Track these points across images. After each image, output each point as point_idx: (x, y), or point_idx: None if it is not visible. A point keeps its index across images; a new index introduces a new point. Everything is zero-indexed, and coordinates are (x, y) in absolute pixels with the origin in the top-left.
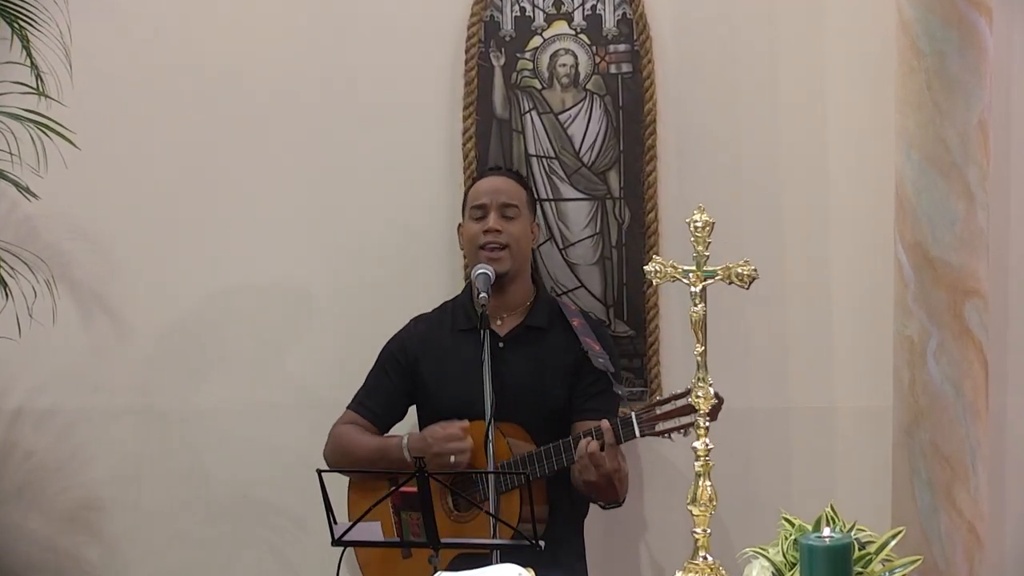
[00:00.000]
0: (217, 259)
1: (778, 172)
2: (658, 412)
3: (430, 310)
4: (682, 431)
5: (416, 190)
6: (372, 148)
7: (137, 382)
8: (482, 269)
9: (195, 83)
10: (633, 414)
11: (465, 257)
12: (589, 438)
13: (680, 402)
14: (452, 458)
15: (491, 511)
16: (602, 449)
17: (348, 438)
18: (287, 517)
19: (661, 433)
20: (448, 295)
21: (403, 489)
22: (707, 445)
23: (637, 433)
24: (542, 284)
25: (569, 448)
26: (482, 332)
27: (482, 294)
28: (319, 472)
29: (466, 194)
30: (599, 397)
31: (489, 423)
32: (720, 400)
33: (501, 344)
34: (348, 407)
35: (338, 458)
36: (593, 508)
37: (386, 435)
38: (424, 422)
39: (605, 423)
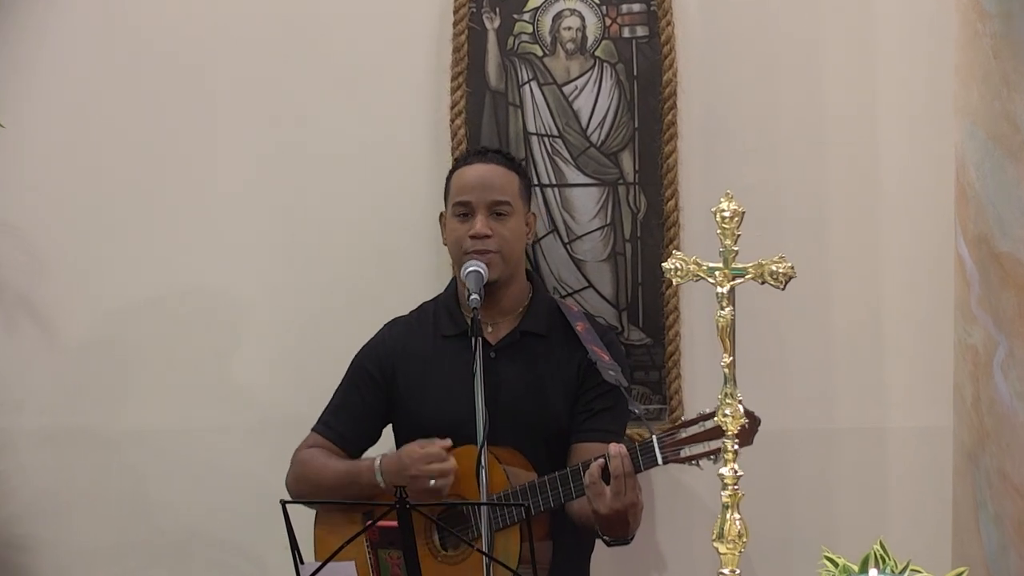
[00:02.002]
0: (158, 258)
1: (819, 153)
2: (683, 435)
3: (407, 312)
4: (711, 457)
5: (394, 174)
6: (341, 125)
7: (67, 399)
8: (473, 266)
9: (130, 59)
10: (655, 437)
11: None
12: (602, 459)
13: (710, 423)
14: (432, 482)
15: (484, 550)
16: (605, 479)
17: (313, 463)
18: (244, 556)
19: (687, 460)
20: (430, 294)
21: (381, 523)
22: (736, 472)
23: (659, 460)
24: (539, 283)
25: (579, 477)
26: (473, 340)
27: (473, 295)
28: (283, 503)
29: (448, 180)
30: (605, 415)
31: (481, 446)
32: (756, 420)
33: (493, 353)
34: (313, 429)
35: (302, 487)
36: (600, 542)
37: (352, 460)
38: (402, 443)
39: (615, 447)
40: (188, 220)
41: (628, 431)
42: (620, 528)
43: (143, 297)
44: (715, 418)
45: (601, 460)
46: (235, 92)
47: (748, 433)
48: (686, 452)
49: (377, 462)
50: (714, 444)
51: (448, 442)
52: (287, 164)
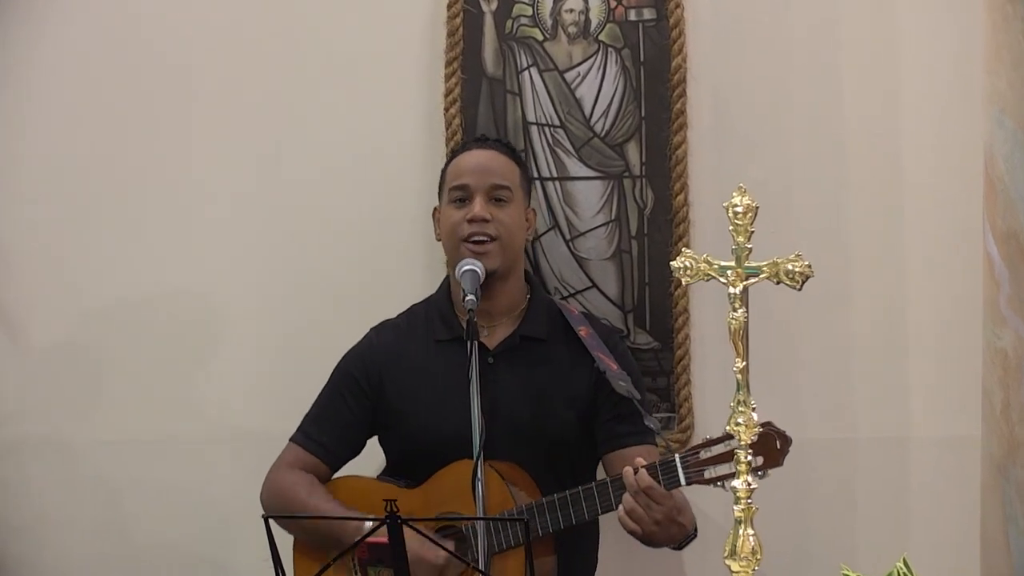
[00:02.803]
0: (132, 258)
1: (838, 144)
2: (708, 454)
3: (396, 316)
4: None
5: (384, 166)
6: (327, 114)
7: (35, 406)
8: (469, 265)
9: (107, 54)
10: (677, 457)
11: (444, 248)
12: (633, 467)
13: (735, 443)
14: None
15: (481, 568)
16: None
17: (293, 496)
18: (222, 574)
19: (712, 481)
20: (421, 295)
21: (371, 540)
22: (749, 485)
23: (682, 480)
24: (537, 284)
25: (606, 491)
26: (469, 344)
27: (469, 296)
28: (266, 518)
29: (444, 172)
30: (633, 417)
31: (478, 457)
32: (787, 440)
33: (490, 359)
34: (291, 439)
35: (277, 510)
36: (605, 558)
37: (340, 504)
38: (392, 457)
39: (639, 463)
40: (163, 219)
41: None
42: (675, 530)
43: (117, 299)
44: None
45: (633, 468)
46: (213, 82)
47: (779, 454)
48: (711, 473)
49: (367, 525)
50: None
51: (444, 553)
52: (268, 159)
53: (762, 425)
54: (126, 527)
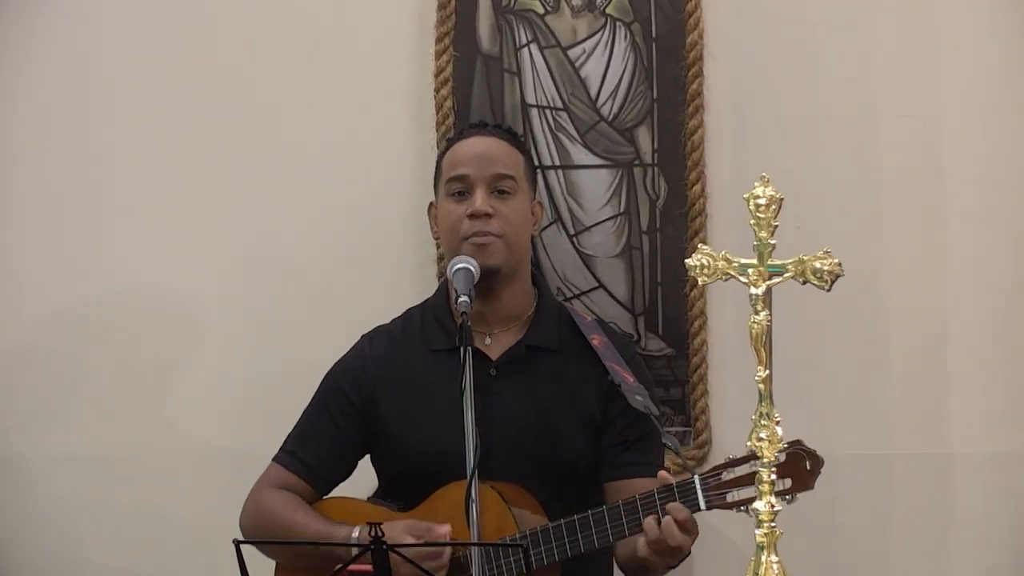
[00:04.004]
0: (91, 256)
1: (872, 130)
2: (727, 477)
3: (390, 322)
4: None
5: (369, 155)
6: (305, 97)
7: None
8: (461, 263)
9: (66, 40)
10: (697, 478)
11: (440, 247)
12: (676, 503)
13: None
14: None
15: None
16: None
17: (275, 514)
18: None
19: (734, 505)
20: (415, 300)
21: (354, 567)
22: (772, 507)
23: (702, 504)
24: (546, 287)
25: (618, 517)
26: (462, 349)
27: (462, 297)
28: (236, 543)
29: (439, 162)
30: (643, 444)
31: (472, 473)
32: (818, 461)
33: (493, 371)
34: (274, 459)
35: (258, 533)
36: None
37: (325, 515)
38: (385, 478)
39: (665, 477)
40: (127, 213)
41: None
42: (671, 562)
43: (76, 302)
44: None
45: (676, 503)
46: (184, 64)
47: (809, 476)
48: (734, 496)
49: (355, 533)
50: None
51: (448, 528)
52: (241, 146)
53: (791, 444)
54: (83, 554)
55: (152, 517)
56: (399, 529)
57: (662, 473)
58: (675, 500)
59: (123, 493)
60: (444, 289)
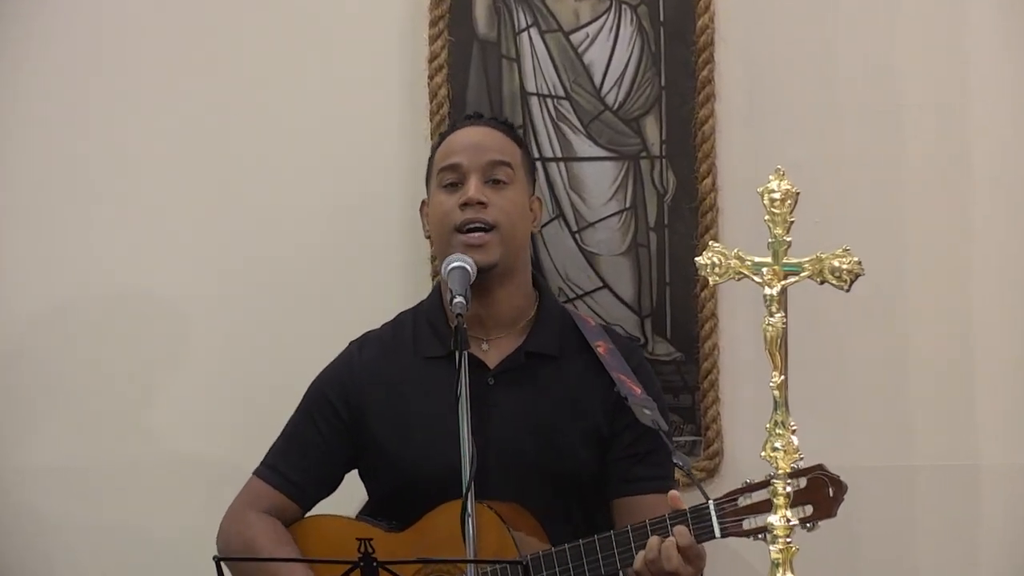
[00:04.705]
0: (64, 254)
1: (894, 120)
2: (744, 503)
3: (380, 327)
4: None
5: (359, 147)
6: (292, 86)
7: None
8: (456, 261)
9: (46, 38)
10: (711, 504)
11: (433, 245)
12: (682, 526)
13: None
14: None
15: None
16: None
17: (253, 546)
18: None
19: (751, 533)
20: (407, 303)
21: None
22: (788, 521)
23: (716, 531)
24: (547, 289)
25: (627, 543)
26: (457, 354)
27: (457, 298)
28: (217, 560)
29: (431, 157)
30: (653, 457)
31: (468, 486)
32: (842, 487)
33: (491, 379)
34: (255, 473)
35: (239, 566)
36: None
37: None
38: (375, 495)
39: (674, 497)
40: (106, 210)
41: None
42: None
43: (44, 303)
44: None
45: (682, 527)
46: (166, 55)
47: (831, 503)
48: (751, 523)
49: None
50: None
51: None
52: (225, 139)
53: (812, 468)
54: (56, 570)
55: (130, 531)
56: None
57: (672, 494)
58: (687, 526)
59: (100, 506)
60: (438, 292)
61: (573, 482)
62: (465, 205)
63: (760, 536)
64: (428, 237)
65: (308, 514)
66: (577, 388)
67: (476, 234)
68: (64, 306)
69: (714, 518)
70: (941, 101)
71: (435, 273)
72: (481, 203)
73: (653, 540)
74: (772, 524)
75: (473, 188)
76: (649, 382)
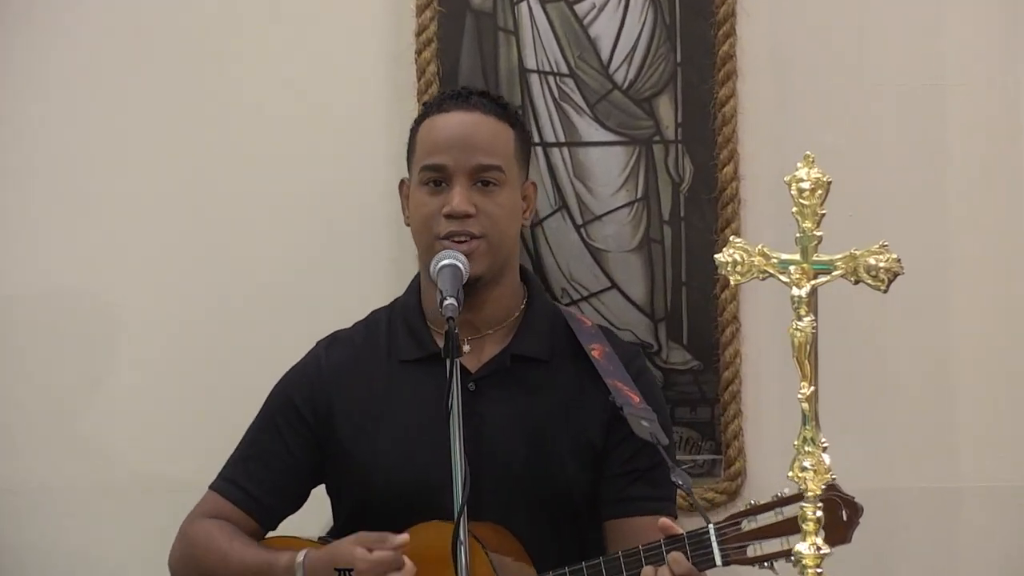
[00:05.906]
0: (18, 259)
1: (937, 98)
2: (748, 527)
3: (351, 326)
4: (793, 558)
5: (337, 127)
6: (265, 63)
7: None
8: (448, 259)
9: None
10: (711, 528)
11: (413, 237)
12: (679, 553)
13: (790, 509)
14: None
15: None
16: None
17: (210, 546)
18: None
19: (757, 561)
20: (384, 298)
21: None
22: (819, 549)
23: (718, 559)
24: (536, 284)
25: (617, 571)
26: (448, 363)
27: (449, 300)
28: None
29: (413, 133)
30: (652, 475)
31: (460, 512)
32: (857, 510)
33: (471, 385)
34: (211, 486)
35: (192, 573)
36: None
37: (269, 546)
38: (342, 512)
39: (666, 525)
40: (46, 198)
41: None
42: None
43: None
44: (797, 504)
45: (679, 554)
46: (130, 34)
47: (845, 527)
48: (755, 550)
49: (300, 557)
50: (797, 539)
51: (406, 537)
52: (186, 117)
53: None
54: None
55: (66, 558)
56: (347, 543)
57: (663, 521)
58: (685, 552)
59: (34, 529)
60: (415, 289)
61: (561, 500)
62: (450, 216)
63: (767, 564)
64: (408, 224)
65: (269, 534)
66: (568, 396)
67: (462, 244)
68: (10, 310)
69: (715, 544)
70: (992, 79)
71: (425, 266)
72: (467, 214)
73: (647, 570)
74: (801, 552)
75: (458, 198)
76: (650, 391)
